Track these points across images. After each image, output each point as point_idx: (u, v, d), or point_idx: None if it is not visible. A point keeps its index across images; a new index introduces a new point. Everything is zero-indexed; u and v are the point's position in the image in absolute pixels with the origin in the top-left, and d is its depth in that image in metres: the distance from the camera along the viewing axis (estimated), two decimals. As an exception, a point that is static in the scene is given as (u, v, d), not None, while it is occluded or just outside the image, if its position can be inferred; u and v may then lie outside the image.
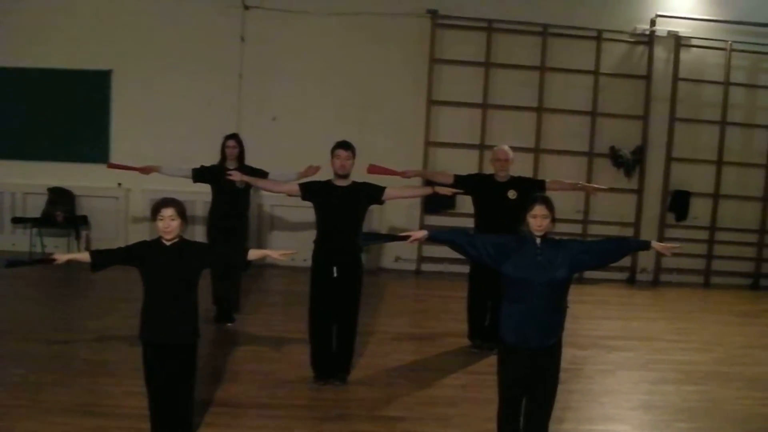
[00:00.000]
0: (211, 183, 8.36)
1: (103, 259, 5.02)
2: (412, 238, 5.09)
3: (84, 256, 5.06)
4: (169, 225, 4.80)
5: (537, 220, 4.77)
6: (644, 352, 8.23)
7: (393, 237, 5.39)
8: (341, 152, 6.56)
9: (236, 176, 7.65)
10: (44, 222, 11.37)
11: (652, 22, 11.94)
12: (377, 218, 11.70)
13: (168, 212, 4.79)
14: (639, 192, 12.26)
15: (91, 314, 8.51)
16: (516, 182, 7.76)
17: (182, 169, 8.44)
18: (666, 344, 8.60)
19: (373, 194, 6.73)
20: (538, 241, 4.80)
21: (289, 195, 6.89)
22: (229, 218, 8.30)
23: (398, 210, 11.80)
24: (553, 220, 4.82)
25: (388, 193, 6.77)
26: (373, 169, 7.66)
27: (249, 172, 8.05)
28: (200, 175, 8.39)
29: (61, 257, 5.07)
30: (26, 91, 11.66)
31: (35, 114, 11.68)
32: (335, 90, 11.76)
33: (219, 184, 8.25)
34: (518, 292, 4.80)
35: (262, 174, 8.18)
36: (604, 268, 10.98)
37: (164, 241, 4.88)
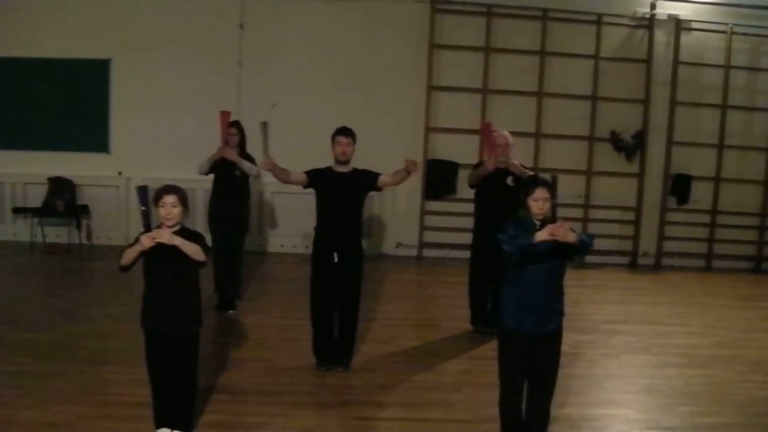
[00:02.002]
0: (212, 171, 8.34)
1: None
2: None
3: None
4: (170, 212, 4.76)
5: (538, 204, 4.75)
6: (646, 336, 8.23)
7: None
8: (342, 138, 6.54)
9: (229, 153, 7.81)
10: (45, 211, 11.36)
11: (652, 6, 11.93)
12: (378, 204, 11.72)
13: (170, 199, 4.75)
14: (640, 176, 12.27)
15: (93, 303, 8.50)
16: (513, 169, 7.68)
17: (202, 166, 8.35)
18: (668, 328, 8.60)
19: (371, 181, 6.69)
20: (538, 225, 4.77)
21: (296, 184, 6.80)
22: (230, 206, 8.29)
23: (398, 196, 11.84)
24: (553, 204, 4.79)
25: (381, 180, 6.72)
26: (486, 128, 7.52)
27: (249, 161, 8.19)
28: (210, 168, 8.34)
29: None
30: (26, 80, 11.63)
31: (35, 104, 11.66)
32: (335, 76, 11.74)
33: (219, 173, 8.26)
34: (518, 277, 4.79)
35: (252, 161, 8.32)
36: (606, 253, 11.19)
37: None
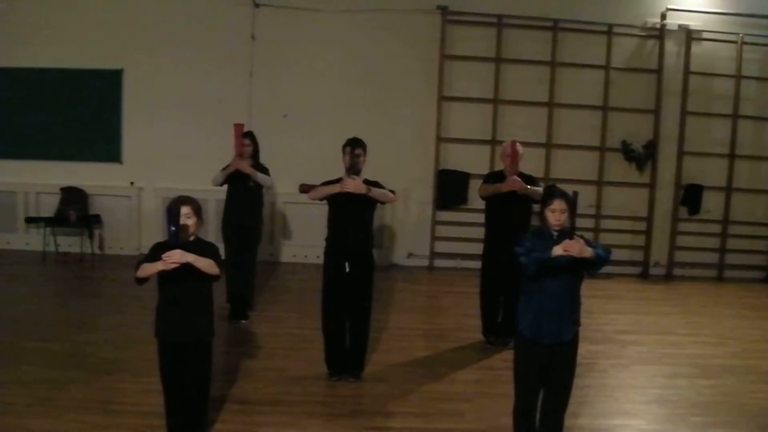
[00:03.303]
0: (226, 182, 8.36)
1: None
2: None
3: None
4: (185, 223, 4.79)
5: (555, 215, 4.74)
6: (658, 346, 8.21)
7: None
8: (351, 148, 6.55)
9: (244, 165, 8.07)
10: (57, 221, 11.41)
11: (663, 16, 11.92)
12: (389, 214, 11.75)
13: (184, 210, 4.76)
14: (651, 186, 12.26)
15: (105, 313, 8.53)
16: (524, 180, 7.64)
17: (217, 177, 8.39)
18: (680, 338, 8.58)
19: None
20: (555, 236, 4.77)
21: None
22: (244, 216, 8.33)
23: (410, 206, 11.87)
24: (572, 215, 4.77)
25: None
26: (513, 147, 7.61)
27: (262, 171, 8.25)
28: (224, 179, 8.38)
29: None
30: (38, 90, 11.68)
31: (47, 114, 11.71)
32: (346, 87, 11.77)
33: (233, 184, 8.29)
34: (535, 287, 4.79)
35: (266, 172, 8.38)
36: (618, 263, 11.15)
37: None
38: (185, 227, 4.75)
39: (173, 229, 4.63)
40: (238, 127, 8.16)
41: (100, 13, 11.58)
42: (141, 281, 4.79)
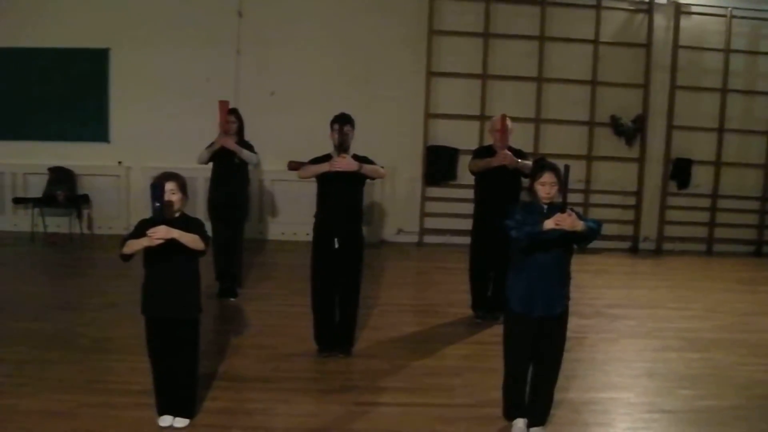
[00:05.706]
0: (212, 160, 8.32)
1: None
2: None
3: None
4: (170, 199, 4.75)
5: (545, 188, 4.73)
6: (647, 320, 8.23)
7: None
8: (340, 125, 6.51)
9: (229, 142, 8.08)
10: (45, 202, 11.36)
11: (652, -10, 11.90)
12: (379, 190, 11.72)
13: (169, 186, 4.73)
14: (640, 160, 12.26)
15: (94, 292, 8.50)
16: (513, 154, 7.61)
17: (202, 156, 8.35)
18: (669, 312, 8.60)
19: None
20: (545, 209, 4.76)
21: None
22: (230, 193, 8.29)
23: (399, 182, 11.84)
24: (561, 188, 4.76)
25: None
26: (502, 121, 7.60)
27: (248, 148, 8.27)
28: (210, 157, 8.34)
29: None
30: (24, 71, 11.62)
31: (34, 94, 11.65)
32: (334, 64, 11.72)
33: (219, 161, 8.25)
34: (526, 261, 4.79)
35: (251, 149, 8.37)
36: (607, 237, 11.16)
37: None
38: (170, 203, 4.72)
39: (158, 205, 4.60)
40: (223, 104, 8.12)
41: (86, -8, 11.50)
42: (126, 258, 4.77)
